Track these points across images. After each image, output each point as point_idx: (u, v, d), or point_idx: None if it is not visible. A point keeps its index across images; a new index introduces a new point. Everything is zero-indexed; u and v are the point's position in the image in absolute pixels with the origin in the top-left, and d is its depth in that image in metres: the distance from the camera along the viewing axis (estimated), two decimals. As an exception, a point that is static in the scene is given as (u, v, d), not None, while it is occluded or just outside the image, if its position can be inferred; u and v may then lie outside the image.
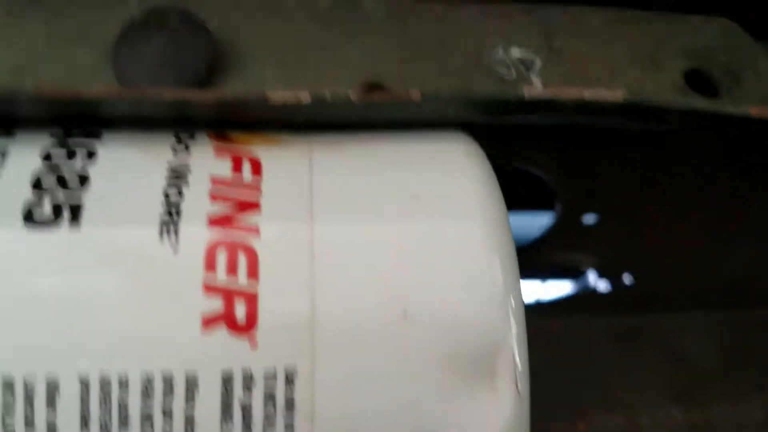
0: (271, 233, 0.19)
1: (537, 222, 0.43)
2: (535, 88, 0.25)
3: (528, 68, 0.26)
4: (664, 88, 0.27)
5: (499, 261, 0.20)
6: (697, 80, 0.28)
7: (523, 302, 0.20)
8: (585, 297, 0.50)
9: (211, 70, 0.23)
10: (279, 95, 0.21)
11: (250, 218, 0.19)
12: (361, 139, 0.22)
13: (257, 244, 0.19)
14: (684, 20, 0.29)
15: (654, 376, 0.52)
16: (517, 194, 0.39)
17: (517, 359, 0.19)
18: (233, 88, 0.24)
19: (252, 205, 0.20)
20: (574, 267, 0.48)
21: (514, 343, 0.19)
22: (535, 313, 0.51)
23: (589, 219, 0.41)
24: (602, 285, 0.50)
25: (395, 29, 0.26)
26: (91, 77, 0.23)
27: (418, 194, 0.20)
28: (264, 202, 0.20)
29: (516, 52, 0.27)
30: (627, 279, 0.49)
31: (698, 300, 0.53)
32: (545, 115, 0.23)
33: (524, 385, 0.19)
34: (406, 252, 0.19)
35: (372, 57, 0.25)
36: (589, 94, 0.23)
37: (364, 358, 0.18)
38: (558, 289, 0.51)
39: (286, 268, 0.19)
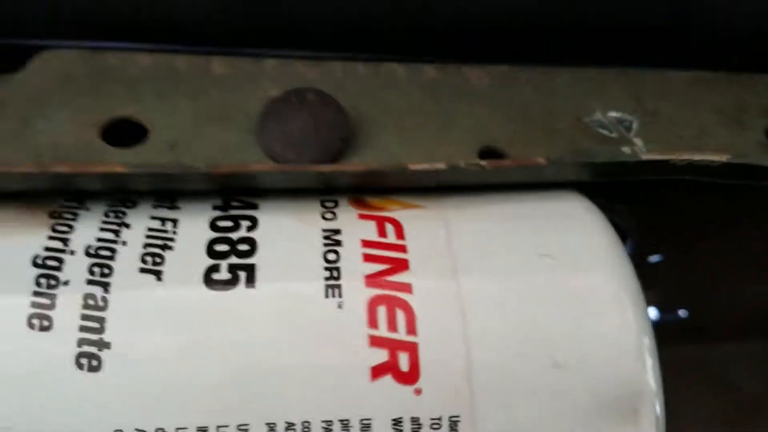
0: (423, 289, 0.21)
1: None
2: (640, 149, 0.26)
3: (627, 129, 0.27)
4: (750, 146, 0.28)
5: (632, 309, 0.21)
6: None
7: (656, 347, 0.21)
8: None
9: (346, 142, 0.25)
10: (418, 165, 0.22)
11: (401, 276, 0.21)
12: (487, 199, 0.24)
13: (412, 300, 0.20)
14: (761, 79, 0.31)
15: (703, 406, 0.53)
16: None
17: (657, 399, 0.20)
18: (365, 157, 0.25)
19: (402, 264, 0.21)
20: None
21: (653, 386, 0.20)
22: None
23: (655, 258, 0.42)
24: (659, 319, 0.51)
25: (500, 97, 0.28)
26: (237, 152, 0.25)
27: (551, 250, 0.22)
28: (412, 260, 0.21)
29: (613, 114, 0.28)
30: (682, 313, 0.50)
31: (747, 331, 0.53)
32: (655, 175, 0.24)
33: (662, 424, 0.20)
34: (548, 304, 0.21)
35: (482, 123, 0.27)
36: (698, 157, 0.24)
37: (520, 406, 0.20)
38: None
39: (440, 321, 0.20)
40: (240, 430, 0.19)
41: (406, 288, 0.21)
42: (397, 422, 0.19)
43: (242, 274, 0.20)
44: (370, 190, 0.25)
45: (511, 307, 0.21)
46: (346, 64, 0.28)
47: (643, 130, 0.28)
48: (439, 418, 0.19)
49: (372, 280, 0.21)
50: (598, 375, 0.20)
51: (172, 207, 0.22)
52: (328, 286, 0.20)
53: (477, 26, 0.30)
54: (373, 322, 0.20)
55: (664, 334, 0.47)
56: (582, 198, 0.24)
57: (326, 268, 0.21)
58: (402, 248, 0.22)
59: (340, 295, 0.20)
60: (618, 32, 0.31)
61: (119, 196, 0.23)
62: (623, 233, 0.39)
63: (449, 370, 0.20)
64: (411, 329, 0.20)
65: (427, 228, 0.23)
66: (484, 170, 0.22)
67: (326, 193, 0.24)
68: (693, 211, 0.39)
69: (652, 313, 0.49)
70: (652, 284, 0.45)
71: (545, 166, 0.23)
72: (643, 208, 0.38)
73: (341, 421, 0.19)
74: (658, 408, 0.20)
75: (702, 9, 0.31)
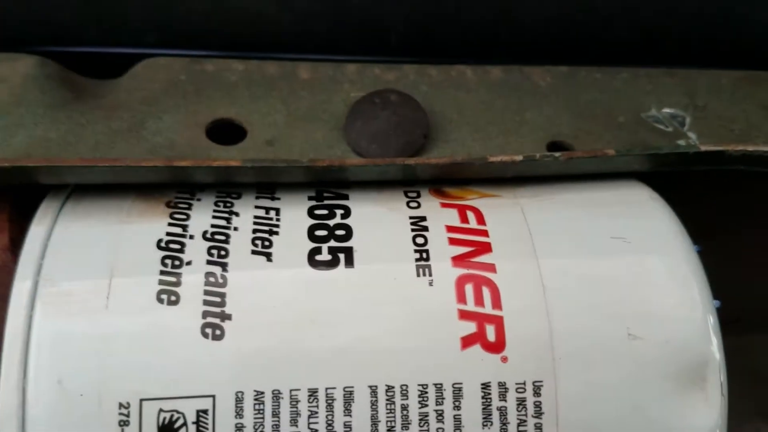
0: (506, 268, 0.22)
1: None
2: (693, 142, 0.28)
3: (681, 124, 0.29)
4: None
5: (698, 289, 0.22)
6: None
7: (718, 320, 0.22)
8: None
9: (426, 137, 0.27)
10: (497, 157, 0.24)
11: (485, 258, 0.23)
12: (558, 188, 0.25)
13: (496, 279, 0.22)
14: (805, 77, 0.32)
15: (743, 398, 0.53)
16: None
17: (721, 368, 0.22)
18: (444, 151, 0.27)
19: (485, 247, 0.23)
20: None
21: (717, 354, 0.22)
22: None
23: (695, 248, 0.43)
24: None
25: (563, 94, 0.29)
26: (326, 148, 0.27)
27: (623, 233, 0.23)
28: (494, 243, 0.23)
29: (668, 110, 0.29)
30: (716, 303, 0.51)
31: None
32: (711, 165, 0.26)
33: (726, 390, 0.22)
34: (624, 282, 0.22)
35: (548, 118, 0.29)
36: (752, 148, 0.25)
37: (597, 372, 0.21)
38: None
39: (523, 296, 0.22)
40: (346, 391, 0.21)
41: (491, 268, 0.22)
42: (485, 386, 0.21)
43: (341, 256, 0.22)
44: (448, 181, 0.26)
45: (588, 284, 0.22)
46: (418, 67, 0.30)
47: (695, 124, 0.29)
48: (523, 383, 0.21)
49: (458, 261, 0.22)
50: (669, 346, 0.22)
51: (273, 197, 0.24)
52: (419, 267, 0.22)
53: (541, 30, 0.31)
54: (461, 298, 0.22)
55: None
56: (645, 187, 0.26)
57: (416, 251, 0.23)
58: (484, 233, 0.23)
59: (430, 274, 0.22)
60: (671, 33, 0.33)
61: (225, 188, 0.25)
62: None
63: (532, 340, 0.21)
64: (496, 304, 0.22)
65: (506, 214, 0.24)
66: (557, 161, 0.24)
67: (408, 184, 0.26)
68: (734, 203, 0.40)
69: None
70: None
71: (613, 157, 0.24)
72: (686, 200, 0.39)
73: (435, 384, 0.21)
74: (723, 376, 0.22)
75: (752, 11, 0.32)
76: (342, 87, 0.29)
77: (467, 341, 0.21)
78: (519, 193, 0.25)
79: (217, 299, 0.21)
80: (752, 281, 0.47)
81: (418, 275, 0.22)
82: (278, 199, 0.25)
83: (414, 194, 0.25)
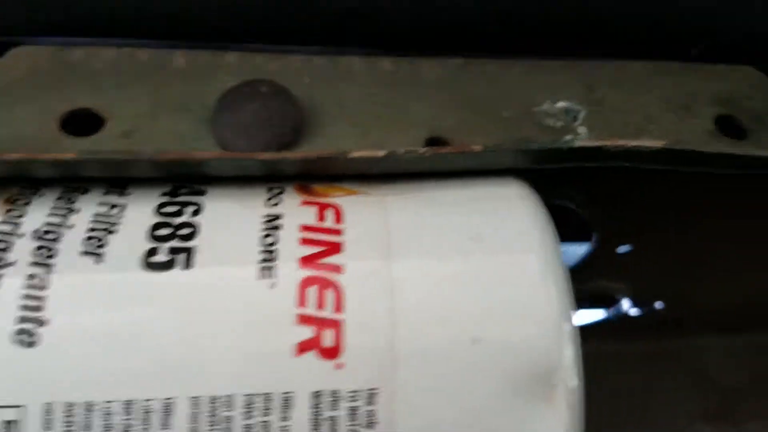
0: (354, 269, 0.21)
1: (575, 253, 0.44)
2: (582, 137, 0.26)
3: (574, 118, 0.27)
4: (697, 133, 0.28)
5: (554, 290, 0.21)
6: (728, 125, 0.29)
7: (577, 327, 0.21)
8: (617, 323, 0.50)
9: (297, 132, 0.25)
10: (358, 152, 0.22)
11: (334, 258, 0.21)
12: (427, 185, 0.24)
13: (342, 280, 0.21)
14: (713, 69, 0.30)
15: (684, 397, 0.52)
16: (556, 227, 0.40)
17: (571, 379, 0.20)
18: (315, 146, 0.25)
19: (336, 247, 0.21)
20: (608, 295, 0.48)
21: (568, 364, 0.20)
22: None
23: (623, 249, 0.42)
24: (634, 311, 0.50)
25: (451, 88, 0.28)
26: (192, 141, 0.25)
27: (481, 233, 0.22)
28: (346, 243, 0.21)
29: (562, 104, 0.28)
30: (658, 305, 0.49)
31: (728, 323, 0.53)
32: (592, 162, 0.24)
33: (578, 403, 0.20)
34: (473, 285, 0.21)
35: (431, 113, 0.27)
36: (633, 143, 0.24)
37: (437, 379, 0.20)
38: (592, 315, 0.51)
39: (367, 299, 0.20)
40: (165, 403, 0.19)
41: (338, 269, 0.21)
42: (316, 395, 0.19)
43: (181, 257, 0.21)
44: (318, 177, 0.25)
45: (437, 286, 0.21)
46: (304, 57, 0.28)
47: (589, 118, 0.28)
48: (356, 391, 0.19)
49: (306, 262, 0.21)
50: (514, 351, 0.20)
51: (123, 193, 0.23)
52: (262, 269, 0.21)
53: (432, 20, 0.30)
54: (302, 302, 0.20)
55: (646, 327, 0.47)
56: (519, 184, 0.24)
57: (262, 251, 0.21)
58: (338, 232, 0.22)
59: (274, 276, 0.21)
60: (575, 25, 0.31)
61: (74, 184, 0.23)
62: (585, 224, 0.39)
63: (372, 345, 0.20)
64: (339, 307, 0.20)
65: (366, 212, 0.23)
66: (422, 157, 0.23)
67: (275, 181, 0.24)
68: (664, 203, 0.38)
69: (627, 305, 0.49)
70: (625, 276, 0.44)
71: (482, 152, 0.23)
72: (612, 199, 0.37)
73: (264, 394, 0.19)
74: (574, 385, 0.20)
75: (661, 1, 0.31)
76: (219, 77, 0.27)
77: (302, 347, 0.20)
78: (386, 191, 0.24)
79: (36, 303, 0.20)
80: (696, 281, 0.46)
81: (261, 277, 0.21)
82: (128, 195, 0.23)
83: (278, 191, 0.24)
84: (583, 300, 0.46)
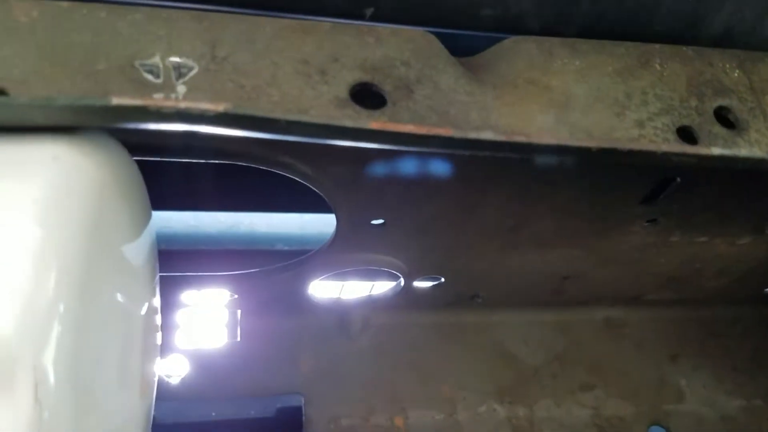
0: None
1: (329, 225, 0.41)
2: (177, 96, 0.22)
3: (181, 75, 0.24)
4: (324, 101, 0.24)
5: (53, 273, 0.17)
6: (365, 93, 0.25)
7: (77, 316, 0.17)
8: (406, 296, 0.47)
9: None
10: None
11: None
12: None
13: None
14: (372, 31, 0.27)
15: (478, 373, 0.50)
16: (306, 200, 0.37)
17: (45, 371, 0.17)
18: None
19: None
20: (384, 269, 0.46)
21: (43, 355, 0.17)
22: (362, 308, 0.49)
23: (377, 222, 0.39)
24: (419, 285, 0.48)
25: (43, 34, 0.23)
26: None
27: None
28: None
29: (175, 59, 0.24)
30: (436, 280, 0.47)
31: (520, 300, 0.51)
32: (152, 122, 0.21)
33: (49, 396, 0.17)
34: None
35: (11, 61, 0.23)
36: (185, 104, 0.20)
37: None
38: (382, 288, 0.49)
39: None
40: None
41: None
42: None
43: None
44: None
45: None
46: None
47: (199, 77, 0.24)
48: None
49: None
50: None
51: None
52: None
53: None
54: None
55: (437, 301, 0.44)
56: (66, 144, 0.20)
57: None
58: None
59: None
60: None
61: None
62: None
63: None
64: None
65: None
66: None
67: None
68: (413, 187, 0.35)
69: (426, 283, 0.46)
70: (387, 251, 0.41)
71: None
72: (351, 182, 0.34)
73: None
74: (48, 377, 0.17)
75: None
76: None
77: None
78: None
79: None
80: (487, 260, 0.43)
81: None
82: None
83: None
84: (355, 272, 0.44)
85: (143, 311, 0.25)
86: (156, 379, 0.28)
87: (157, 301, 0.28)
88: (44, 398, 0.17)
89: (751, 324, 0.50)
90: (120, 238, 0.21)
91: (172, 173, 0.40)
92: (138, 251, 0.24)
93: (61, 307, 0.18)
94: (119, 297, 0.21)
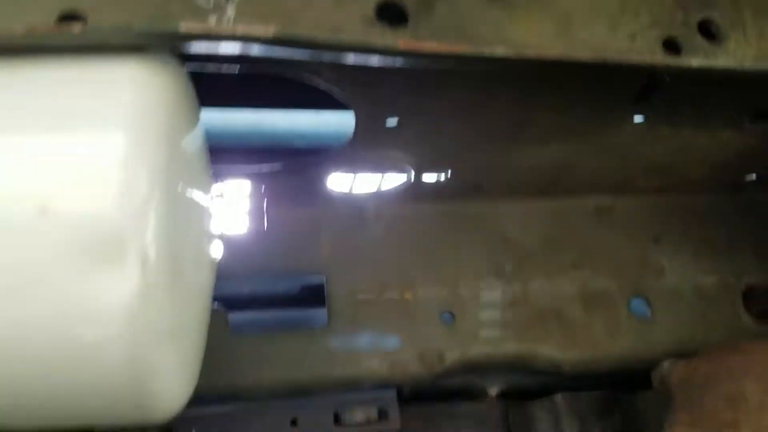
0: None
1: (345, 123, 0.44)
2: (226, 19, 0.25)
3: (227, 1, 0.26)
4: (353, 20, 0.27)
5: (145, 168, 0.21)
6: (389, 10, 0.28)
7: (167, 204, 0.21)
8: (415, 189, 0.51)
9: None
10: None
11: None
12: (33, 63, 0.23)
13: None
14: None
15: (479, 255, 0.55)
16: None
17: (147, 248, 0.21)
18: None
19: None
20: (396, 164, 0.50)
21: (145, 236, 0.21)
22: (374, 200, 0.53)
23: (390, 123, 0.42)
24: (426, 178, 0.52)
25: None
26: None
27: (70, 111, 0.21)
28: None
29: (224, -17, 0.27)
30: (445, 173, 0.51)
31: (519, 190, 0.55)
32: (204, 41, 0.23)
33: (155, 272, 0.21)
34: (50, 159, 0.21)
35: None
36: (243, 31, 0.23)
37: (4, 248, 0.20)
38: (392, 181, 0.53)
39: None
40: None
41: None
42: None
43: None
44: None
45: (8, 161, 0.20)
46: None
47: (244, 2, 0.26)
48: None
49: None
50: (86, 223, 0.20)
51: None
52: None
53: None
54: None
55: (443, 192, 0.48)
56: (144, 65, 0.23)
57: None
58: None
59: None
60: None
61: None
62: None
63: None
64: None
65: None
66: (50, 35, 0.21)
67: None
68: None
69: (430, 177, 0.50)
70: (401, 147, 0.45)
71: (79, 35, 0.22)
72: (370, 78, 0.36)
73: None
74: (152, 256, 0.21)
75: None
76: None
77: None
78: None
79: None
80: (491, 155, 0.47)
81: None
82: None
83: None
84: (372, 167, 0.47)
85: (207, 199, 0.29)
86: (216, 258, 0.33)
87: (212, 192, 0.32)
88: (147, 271, 0.22)
89: (729, 210, 0.54)
90: (187, 138, 0.25)
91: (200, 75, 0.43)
92: (198, 148, 0.28)
93: (155, 197, 0.22)
94: (192, 188, 0.25)
